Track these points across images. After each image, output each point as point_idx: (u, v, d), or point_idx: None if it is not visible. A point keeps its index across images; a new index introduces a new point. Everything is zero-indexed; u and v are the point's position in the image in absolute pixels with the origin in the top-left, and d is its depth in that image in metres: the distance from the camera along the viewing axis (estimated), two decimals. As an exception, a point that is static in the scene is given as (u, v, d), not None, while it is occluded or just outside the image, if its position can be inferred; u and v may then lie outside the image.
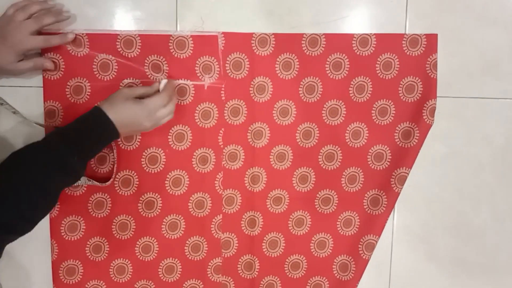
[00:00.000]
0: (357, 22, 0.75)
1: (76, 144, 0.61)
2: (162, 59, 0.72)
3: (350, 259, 0.79)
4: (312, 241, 0.79)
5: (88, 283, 0.76)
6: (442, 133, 0.78)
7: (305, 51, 0.74)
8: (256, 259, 0.79)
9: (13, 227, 0.56)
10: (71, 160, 0.59)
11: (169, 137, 0.74)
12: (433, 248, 0.81)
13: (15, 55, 0.64)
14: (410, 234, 0.81)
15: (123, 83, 0.72)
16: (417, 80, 0.76)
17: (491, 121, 0.79)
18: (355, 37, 0.75)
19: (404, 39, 0.75)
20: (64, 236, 0.74)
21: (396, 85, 0.76)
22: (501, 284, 0.83)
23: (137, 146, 0.73)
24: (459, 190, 0.80)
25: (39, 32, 0.66)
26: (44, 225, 0.74)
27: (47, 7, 0.68)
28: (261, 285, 0.79)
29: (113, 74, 0.71)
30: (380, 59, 0.75)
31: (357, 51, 0.75)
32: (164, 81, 0.67)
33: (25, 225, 0.57)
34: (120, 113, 0.62)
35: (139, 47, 0.72)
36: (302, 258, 0.80)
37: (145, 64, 0.72)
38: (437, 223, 0.81)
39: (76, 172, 0.61)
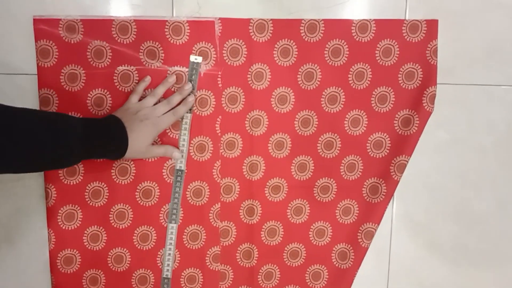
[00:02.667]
0: (357, 8, 0.74)
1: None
2: (157, 45, 0.71)
3: (349, 247, 0.79)
4: (311, 230, 0.79)
5: (86, 273, 0.75)
6: (444, 120, 0.77)
7: (304, 37, 0.73)
8: (255, 247, 0.78)
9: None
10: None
11: (166, 125, 0.73)
12: (434, 235, 0.81)
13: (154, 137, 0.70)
14: (411, 222, 0.80)
15: (118, 70, 0.71)
16: (417, 67, 0.74)
17: (493, 107, 0.78)
18: (354, 23, 0.73)
19: (404, 25, 0.74)
20: (61, 226, 0.74)
21: (395, 72, 0.75)
22: (504, 271, 0.82)
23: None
24: (461, 177, 0.79)
25: None
26: (41, 214, 0.73)
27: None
28: (260, 274, 0.79)
29: (107, 61, 0.70)
30: (380, 45, 0.74)
31: (357, 37, 0.73)
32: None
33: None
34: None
35: (135, 33, 0.70)
36: (301, 247, 0.79)
37: (140, 50, 0.71)
38: (438, 210, 0.80)
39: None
